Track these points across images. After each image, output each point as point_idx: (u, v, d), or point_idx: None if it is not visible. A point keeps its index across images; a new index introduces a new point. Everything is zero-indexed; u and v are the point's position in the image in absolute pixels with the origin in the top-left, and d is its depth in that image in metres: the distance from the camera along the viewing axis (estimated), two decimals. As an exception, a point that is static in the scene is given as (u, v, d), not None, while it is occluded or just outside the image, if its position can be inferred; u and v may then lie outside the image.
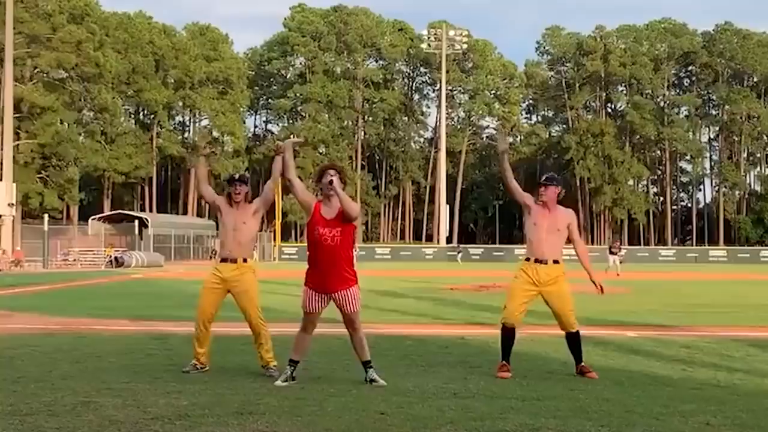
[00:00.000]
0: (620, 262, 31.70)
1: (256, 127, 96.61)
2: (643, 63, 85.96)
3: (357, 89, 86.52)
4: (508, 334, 6.70)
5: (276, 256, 57.46)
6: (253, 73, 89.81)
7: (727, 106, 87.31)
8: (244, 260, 6.79)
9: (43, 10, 59.12)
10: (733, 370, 6.96)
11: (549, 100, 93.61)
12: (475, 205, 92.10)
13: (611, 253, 31.69)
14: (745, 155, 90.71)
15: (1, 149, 47.72)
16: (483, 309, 13.38)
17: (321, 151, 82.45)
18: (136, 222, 51.20)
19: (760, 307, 14.64)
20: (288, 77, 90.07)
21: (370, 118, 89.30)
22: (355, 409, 5.17)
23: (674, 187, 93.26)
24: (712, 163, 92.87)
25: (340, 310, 6.16)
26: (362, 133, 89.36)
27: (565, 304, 6.65)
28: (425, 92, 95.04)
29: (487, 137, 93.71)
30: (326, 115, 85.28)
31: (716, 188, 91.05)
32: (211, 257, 54.60)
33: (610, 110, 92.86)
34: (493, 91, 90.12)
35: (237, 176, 6.92)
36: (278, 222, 56.60)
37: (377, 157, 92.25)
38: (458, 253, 60.13)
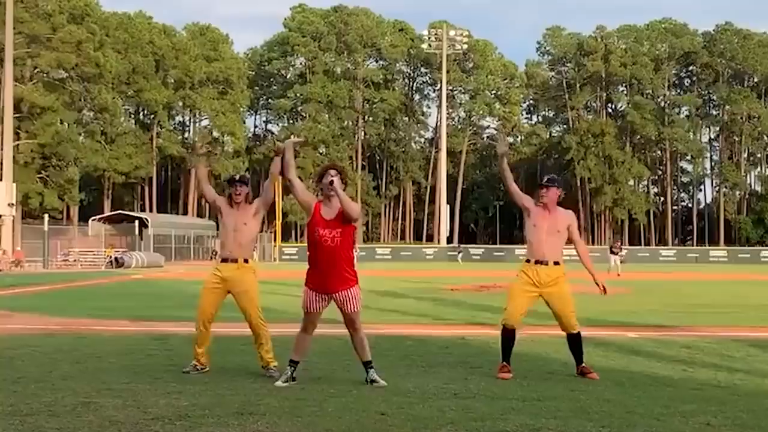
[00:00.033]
0: (621, 262, 31.71)
1: (256, 127, 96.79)
2: (644, 63, 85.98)
3: (357, 89, 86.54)
4: (508, 335, 6.69)
5: (276, 257, 57.47)
6: (254, 73, 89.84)
7: (727, 107, 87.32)
8: (245, 261, 6.79)
9: (43, 10, 59.13)
10: (734, 371, 6.96)
11: (549, 100, 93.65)
12: (476, 205, 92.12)
13: (612, 253, 31.68)
14: (746, 155, 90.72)
15: (1, 149, 47.72)
16: (483, 309, 13.38)
17: (321, 151, 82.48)
18: (137, 222, 51.20)
19: (760, 308, 14.63)
20: (288, 77, 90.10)
21: (371, 119, 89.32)
22: (355, 410, 5.16)
23: (675, 187, 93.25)
24: (713, 164, 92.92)
25: (340, 310, 6.16)
26: (362, 133, 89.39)
27: (566, 306, 6.65)
28: (426, 92, 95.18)
29: (487, 137, 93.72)
30: (326, 116, 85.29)
31: (717, 188, 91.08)
32: (211, 258, 54.60)
33: (610, 110, 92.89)
34: (493, 92, 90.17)
35: (237, 177, 6.92)
36: (278, 222, 56.62)
37: (378, 158, 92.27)
38: (459, 253, 60.14)
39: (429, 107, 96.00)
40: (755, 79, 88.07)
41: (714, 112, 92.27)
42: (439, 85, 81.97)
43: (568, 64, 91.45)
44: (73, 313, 13.09)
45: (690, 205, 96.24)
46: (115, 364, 7.22)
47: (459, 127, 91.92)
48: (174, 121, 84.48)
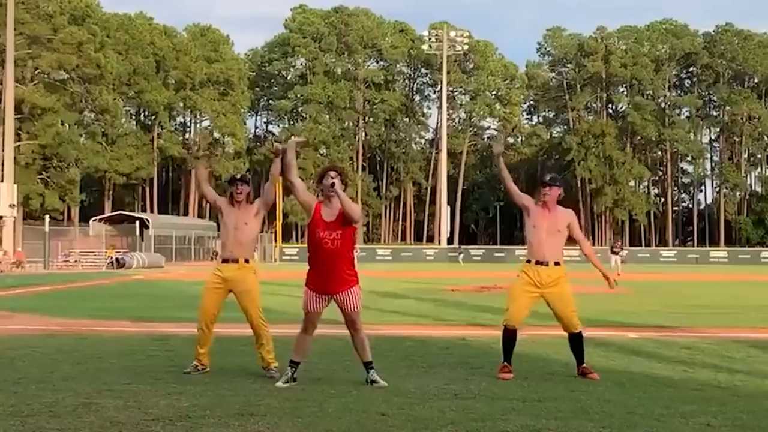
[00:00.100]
0: (621, 262, 31.74)
1: (256, 128, 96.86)
2: (644, 64, 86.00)
3: (358, 90, 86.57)
4: (509, 336, 6.69)
5: (277, 257, 57.47)
6: (254, 74, 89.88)
7: (727, 107, 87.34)
8: (246, 261, 6.79)
9: (44, 11, 59.13)
10: (734, 372, 6.96)
11: (550, 101, 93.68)
12: (476, 205, 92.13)
13: (613, 253, 31.71)
14: (746, 156, 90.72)
15: (2, 150, 47.75)
16: (484, 310, 13.38)
17: (322, 152, 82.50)
18: (137, 223, 51.19)
19: (760, 308, 14.62)
20: (289, 78, 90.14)
21: (371, 119, 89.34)
22: (355, 411, 5.17)
23: (675, 188, 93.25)
24: (713, 164, 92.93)
25: (341, 309, 6.17)
26: (363, 134, 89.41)
27: (567, 306, 6.65)
28: (426, 93, 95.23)
29: (488, 138, 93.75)
30: (327, 116, 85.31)
31: (717, 189, 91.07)
32: (212, 258, 54.61)
33: (611, 111, 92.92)
34: (494, 92, 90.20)
35: (239, 176, 6.94)
36: (279, 223, 56.60)
37: (378, 158, 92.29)
38: (459, 254, 60.14)
39: (429, 108, 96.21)
40: (755, 80, 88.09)
41: (714, 113, 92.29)
42: (439, 86, 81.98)
43: (569, 65, 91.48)
44: (74, 313, 13.09)
45: (690, 205, 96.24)
46: (116, 365, 7.22)
47: (459, 127, 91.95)
48: (175, 122, 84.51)
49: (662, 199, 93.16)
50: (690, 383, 6.37)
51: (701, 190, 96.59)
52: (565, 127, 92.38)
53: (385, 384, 6.06)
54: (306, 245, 6.43)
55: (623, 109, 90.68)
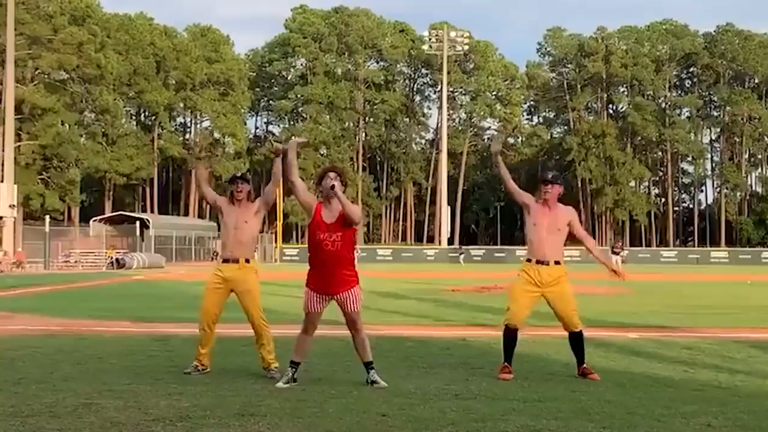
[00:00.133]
0: (622, 262, 31.70)
1: (257, 128, 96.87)
2: (645, 64, 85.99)
3: (358, 90, 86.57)
4: (511, 335, 6.69)
5: (277, 258, 57.46)
6: (254, 74, 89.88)
7: (728, 108, 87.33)
8: (246, 261, 6.79)
9: (45, 11, 59.15)
10: (735, 372, 6.96)
11: (550, 101, 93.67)
12: (477, 206, 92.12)
13: (614, 253, 31.68)
14: (747, 156, 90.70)
15: (2, 150, 47.76)
16: (484, 310, 13.38)
17: (322, 152, 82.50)
18: (138, 223, 51.19)
19: (761, 309, 14.61)
20: (289, 78, 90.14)
21: (372, 120, 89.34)
22: (356, 411, 5.17)
23: (676, 188, 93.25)
24: (714, 165, 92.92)
25: (341, 309, 6.17)
26: (363, 134, 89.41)
27: (568, 305, 6.65)
28: (426, 93, 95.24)
29: (488, 138, 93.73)
30: (327, 117, 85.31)
31: (718, 189, 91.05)
32: (212, 258, 54.62)
33: (611, 111, 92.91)
34: (494, 93, 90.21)
35: (239, 174, 6.96)
36: (279, 223, 56.59)
37: (378, 159, 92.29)
38: (460, 254, 60.12)
39: (430, 108, 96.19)
40: (756, 80, 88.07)
41: (715, 113, 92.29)
42: (439, 87, 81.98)
43: (569, 65, 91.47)
44: (74, 314, 13.10)
45: (691, 206, 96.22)
46: (116, 365, 7.22)
47: (460, 128, 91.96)
48: (175, 123, 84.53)
49: (663, 200, 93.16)
50: (691, 384, 6.37)
51: (702, 191, 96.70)
52: (566, 127, 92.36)
53: (386, 384, 6.06)
54: (306, 246, 6.43)
55: (624, 109, 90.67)
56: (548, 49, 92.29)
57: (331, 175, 6.10)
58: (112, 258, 42.95)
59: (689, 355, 8.03)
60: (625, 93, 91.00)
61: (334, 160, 74.96)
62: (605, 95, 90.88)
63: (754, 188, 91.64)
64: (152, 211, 73.60)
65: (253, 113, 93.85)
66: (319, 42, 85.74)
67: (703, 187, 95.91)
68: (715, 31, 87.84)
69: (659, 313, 13.23)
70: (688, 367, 7.25)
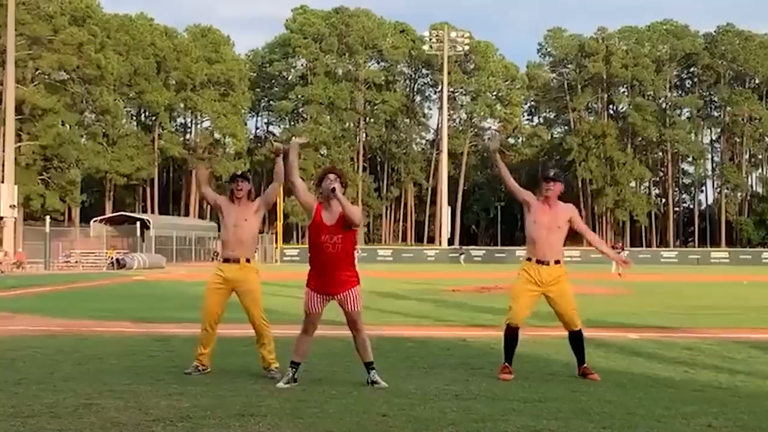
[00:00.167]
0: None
1: (257, 128, 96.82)
2: (645, 64, 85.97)
3: (358, 91, 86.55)
4: (512, 334, 6.70)
5: (278, 258, 57.46)
6: (255, 74, 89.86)
7: (728, 108, 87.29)
8: (247, 260, 6.79)
9: (45, 12, 59.15)
10: (735, 372, 6.96)
11: (551, 101, 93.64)
12: (477, 206, 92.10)
13: (614, 253, 31.68)
14: (747, 157, 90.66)
15: (3, 151, 47.78)
16: (485, 311, 13.38)
17: (323, 152, 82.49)
18: (138, 224, 51.22)
19: (761, 309, 14.61)
20: (289, 79, 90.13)
21: (372, 120, 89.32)
22: (356, 411, 5.17)
23: (676, 188, 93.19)
24: (714, 165, 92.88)
25: (342, 309, 6.17)
26: (364, 134, 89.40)
27: (568, 304, 6.66)
28: (427, 94, 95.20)
29: (487, 138, 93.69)
30: (328, 117, 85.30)
31: (718, 190, 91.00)
32: (212, 259, 54.63)
33: (611, 112, 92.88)
34: (494, 93, 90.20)
35: (239, 173, 6.98)
36: (280, 224, 56.60)
37: (379, 159, 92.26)
38: (461, 255, 60.13)
39: (430, 109, 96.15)
40: (756, 81, 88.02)
41: (715, 114, 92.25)
42: (440, 87, 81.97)
43: (569, 66, 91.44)
44: (75, 314, 13.10)
45: (691, 206, 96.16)
46: (116, 366, 7.23)
47: (460, 128, 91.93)
48: (175, 123, 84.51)
49: (663, 200, 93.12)
50: (691, 384, 6.37)
51: (702, 191, 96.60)
52: (566, 127, 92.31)
53: (386, 385, 6.06)
54: (307, 246, 6.44)
55: (624, 109, 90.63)
56: (549, 49, 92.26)
57: (331, 176, 6.10)
58: (112, 258, 42.97)
59: (689, 355, 8.03)
60: (626, 93, 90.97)
61: (335, 161, 74.98)
62: (606, 95, 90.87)
63: (754, 189, 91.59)
64: (153, 212, 73.60)
65: (253, 114, 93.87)
66: (320, 42, 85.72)
67: (704, 188, 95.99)
68: (715, 32, 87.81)
69: (659, 314, 13.23)
70: (688, 367, 7.25)
